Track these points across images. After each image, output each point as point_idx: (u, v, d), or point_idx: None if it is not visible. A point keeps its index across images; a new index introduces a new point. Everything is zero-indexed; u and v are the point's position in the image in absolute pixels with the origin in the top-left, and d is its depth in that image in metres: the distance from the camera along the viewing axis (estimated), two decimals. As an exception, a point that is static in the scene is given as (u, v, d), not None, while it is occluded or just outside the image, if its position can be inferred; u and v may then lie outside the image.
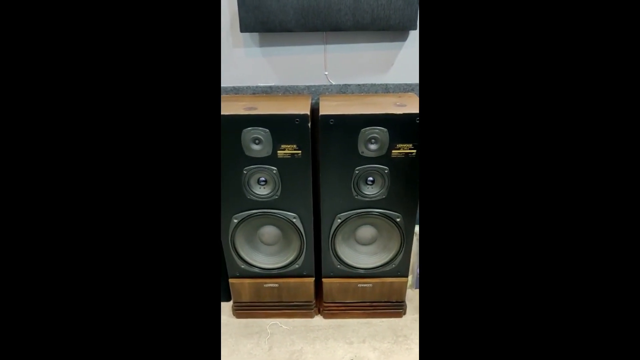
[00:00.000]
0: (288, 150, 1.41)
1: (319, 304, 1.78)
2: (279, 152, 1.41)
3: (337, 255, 1.62)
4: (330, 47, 1.62)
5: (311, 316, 1.77)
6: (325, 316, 1.76)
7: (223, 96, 1.66)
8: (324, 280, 1.69)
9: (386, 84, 1.67)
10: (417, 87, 1.66)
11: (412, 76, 1.66)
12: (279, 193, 1.49)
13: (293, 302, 1.74)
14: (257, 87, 1.68)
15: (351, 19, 1.46)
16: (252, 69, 1.65)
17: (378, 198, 1.50)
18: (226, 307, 1.83)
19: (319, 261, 1.66)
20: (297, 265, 1.64)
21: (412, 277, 1.88)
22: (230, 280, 1.70)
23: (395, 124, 1.37)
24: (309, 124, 1.38)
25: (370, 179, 1.47)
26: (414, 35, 1.60)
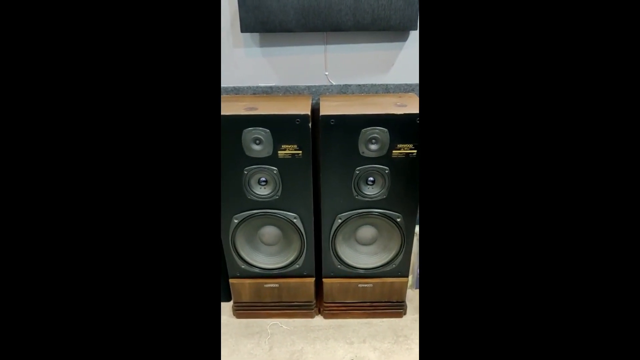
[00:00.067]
0: (288, 150, 1.41)
1: (320, 304, 1.78)
2: (279, 152, 1.41)
3: (337, 255, 1.62)
4: (330, 47, 1.62)
5: (311, 316, 1.77)
6: (326, 316, 1.76)
7: (223, 96, 1.66)
8: (324, 280, 1.69)
9: (386, 84, 1.67)
10: (418, 88, 1.66)
11: (413, 76, 1.66)
12: (279, 193, 1.49)
13: (293, 302, 1.74)
14: (257, 87, 1.68)
15: (352, 19, 1.46)
16: (253, 69, 1.65)
17: (378, 198, 1.50)
18: (226, 307, 1.82)
19: (319, 261, 1.66)
20: (297, 266, 1.64)
21: (412, 277, 1.88)
22: (231, 281, 1.70)
23: (395, 124, 1.37)
24: (310, 124, 1.38)
25: (371, 179, 1.47)
26: (415, 36, 1.60)
